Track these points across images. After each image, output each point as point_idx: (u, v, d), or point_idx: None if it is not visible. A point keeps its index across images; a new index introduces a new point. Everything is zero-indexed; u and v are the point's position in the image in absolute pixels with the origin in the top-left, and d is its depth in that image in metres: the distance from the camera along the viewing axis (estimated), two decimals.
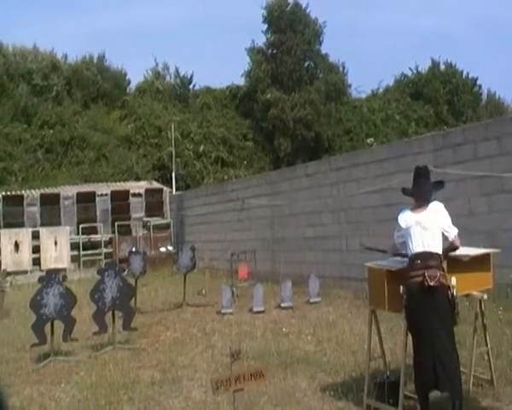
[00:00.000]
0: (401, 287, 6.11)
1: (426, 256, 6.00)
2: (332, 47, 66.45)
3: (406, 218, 6.28)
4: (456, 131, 14.65)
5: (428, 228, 6.08)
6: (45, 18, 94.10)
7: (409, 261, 6.18)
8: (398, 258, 6.55)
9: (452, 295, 6.00)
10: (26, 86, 36.95)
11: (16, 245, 25.13)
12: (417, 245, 6.08)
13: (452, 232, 6.23)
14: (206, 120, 38.42)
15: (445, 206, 6.30)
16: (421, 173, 6.44)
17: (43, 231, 25.81)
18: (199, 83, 42.84)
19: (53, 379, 8.77)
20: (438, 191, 6.47)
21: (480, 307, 6.88)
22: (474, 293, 6.39)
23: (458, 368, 6.07)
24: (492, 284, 6.96)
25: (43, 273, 10.82)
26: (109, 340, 10.54)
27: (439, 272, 5.92)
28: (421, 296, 5.93)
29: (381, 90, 43.77)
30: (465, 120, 38.74)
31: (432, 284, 5.84)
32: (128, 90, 42.68)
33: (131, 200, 29.06)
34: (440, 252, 6.11)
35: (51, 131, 35.16)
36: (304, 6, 39.56)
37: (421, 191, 6.31)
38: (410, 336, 6.58)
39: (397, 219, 6.42)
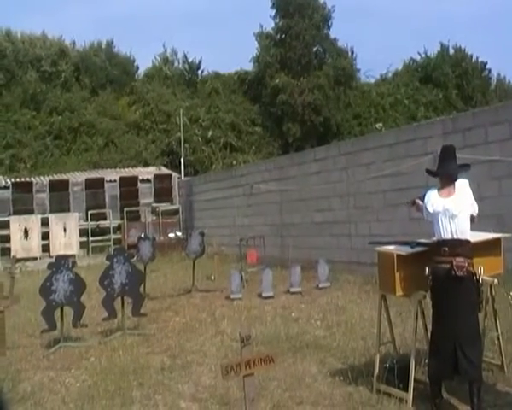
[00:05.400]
0: (426, 268, 6.08)
1: (454, 244, 5.94)
2: (341, 31, 66.12)
3: (434, 202, 6.14)
4: (465, 115, 14.58)
5: (457, 215, 5.97)
6: (54, 4, 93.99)
7: (436, 244, 6.13)
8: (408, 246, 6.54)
9: (478, 281, 5.99)
10: (35, 73, 37.10)
11: (26, 232, 25.26)
12: (446, 232, 6.00)
13: (476, 210, 6.19)
14: (215, 105, 38.39)
15: None
16: (447, 153, 6.30)
17: (52, 218, 25.92)
18: (207, 68, 42.95)
19: (63, 365, 8.81)
20: (464, 172, 6.31)
21: (491, 292, 6.85)
22: (485, 278, 6.35)
23: (481, 355, 6.08)
24: (503, 269, 6.95)
25: (53, 260, 10.84)
26: (119, 326, 10.58)
27: (466, 262, 5.88)
28: (447, 284, 5.90)
29: (389, 75, 43.60)
30: (474, 104, 38.55)
31: (459, 273, 5.82)
32: (136, 76, 42.76)
33: (140, 186, 29.12)
34: (469, 237, 6.06)
35: (60, 117, 35.27)
36: None
37: (447, 171, 6.18)
38: (419, 321, 6.59)
39: (423, 199, 6.35)
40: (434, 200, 6.15)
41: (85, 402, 7.04)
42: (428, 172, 6.59)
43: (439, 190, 6.20)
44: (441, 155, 6.34)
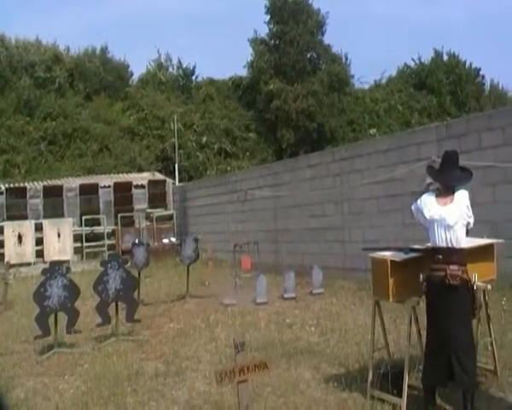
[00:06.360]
0: (420, 275, 6.08)
1: (449, 252, 5.93)
2: (335, 37, 66.19)
3: (431, 207, 6.10)
4: (459, 121, 14.62)
5: (453, 226, 5.94)
6: (47, 10, 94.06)
7: (430, 251, 6.13)
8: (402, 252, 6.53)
9: (472, 288, 5.99)
10: (29, 79, 36.97)
11: (19, 237, 25.19)
12: (440, 241, 5.98)
13: (472, 222, 6.16)
14: (209, 111, 38.41)
15: None
16: (449, 160, 6.25)
17: (46, 223, 25.86)
18: (201, 74, 42.93)
19: (57, 371, 8.79)
20: (465, 183, 6.25)
21: (484, 297, 6.87)
22: (478, 284, 6.35)
23: (475, 363, 6.09)
24: (496, 275, 6.96)
25: (47, 265, 10.83)
26: (113, 332, 10.56)
27: (461, 270, 5.87)
28: (441, 291, 5.90)
29: (383, 81, 43.69)
30: (468, 110, 38.66)
31: (453, 282, 5.83)
32: (131, 82, 42.73)
33: (134, 191, 29.10)
34: (464, 245, 6.04)
35: (54, 123, 35.17)
36: None
37: (447, 181, 6.15)
38: (413, 327, 6.60)
39: (420, 199, 6.29)
40: (432, 206, 6.11)
41: (79, 409, 7.03)
42: (429, 172, 6.51)
43: (437, 195, 6.18)
44: (443, 162, 6.29)
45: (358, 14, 79.07)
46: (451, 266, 5.84)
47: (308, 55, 39.54)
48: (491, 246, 6.90)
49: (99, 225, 27.64)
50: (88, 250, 26.73)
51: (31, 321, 10.54)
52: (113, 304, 10.34)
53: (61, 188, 28.08)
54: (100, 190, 28.46)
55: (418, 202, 6.30)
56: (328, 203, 16.87)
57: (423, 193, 6.51)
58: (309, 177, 17.78)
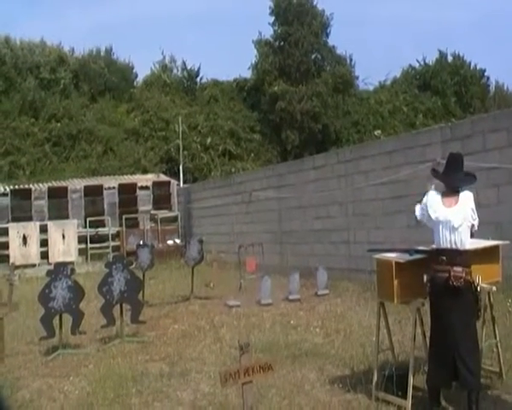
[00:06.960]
0: (424, 276, 6.09)
1: (453, 254, 5.94)
2: (339, 39, 66.09)
3: (436, 208, 6.12)
4: (464, 122, 14.60)
5: (458, 227, 5.95)
6: (52, 11, 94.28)
7: (434, 252, 6.14)
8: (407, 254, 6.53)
9: (476, 289, 5.99)
10: (34, 80, 37.04)
11: (24, 239, 25.21)
12: (445, 242, 5.99)
13: (476, 224, 6.18)
14: (214, 112, 38.37)
15: None
16: (454, 162, 6.28)
17: (50, 225, 25.87)
18: (206, 76, 42.87)
19: (62, 372, 8.79)
20: (470, 185, 6.29)
21: (489, 299, 6.87)
22: (483, 285, 6.35)
23: (479, 364, 6.09)
24: (501, 276, 6.95)
25: (51, 267, 10.84)
26: (117, 333, 10.57)
27: (464, 271, 5.88)
28: (445, 292, 5.91)
29: (388, 82, 43.60)
30: (473, 111, 38.55)
31: (456, 284, 5.83)
32: (135, 84, 42.74)
33: (139, 193, 29.08)
34: (468, 246, 6.06)
35: (59, 124, 35.24)
36: None
37: (452, 182, 6.18)
38: (418, 329, 6.60)
39: (427, 197, 6.30)
40: (437, 207, 6.12)
41: None
42: (434, 173, 6.54)
43: (442, 196, 6.19)
44: (448, 163, 6.32)
45: (363, 15, 79.17)
46: (455, 268, 5.84)
47: (312, 57, 39.49)
48: (496, 247, 6.89)
49: (104, 226, 27.61)
50: (92, 252, 26.68)
51: (36, 322, 10.55)
52: (118, 305, 10.34)
53: (65, 189, 28.10)
54: (104, 192, 28.45)
55: (424, 199, 6.31)
56: (332, 205, 16.85)
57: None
58: (314, 178, 17.76)
